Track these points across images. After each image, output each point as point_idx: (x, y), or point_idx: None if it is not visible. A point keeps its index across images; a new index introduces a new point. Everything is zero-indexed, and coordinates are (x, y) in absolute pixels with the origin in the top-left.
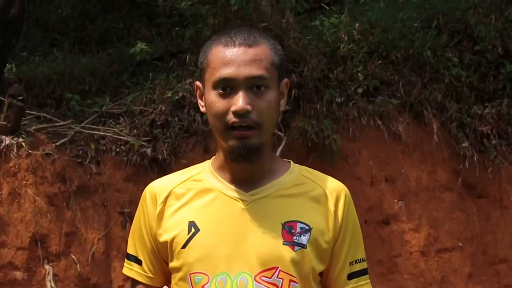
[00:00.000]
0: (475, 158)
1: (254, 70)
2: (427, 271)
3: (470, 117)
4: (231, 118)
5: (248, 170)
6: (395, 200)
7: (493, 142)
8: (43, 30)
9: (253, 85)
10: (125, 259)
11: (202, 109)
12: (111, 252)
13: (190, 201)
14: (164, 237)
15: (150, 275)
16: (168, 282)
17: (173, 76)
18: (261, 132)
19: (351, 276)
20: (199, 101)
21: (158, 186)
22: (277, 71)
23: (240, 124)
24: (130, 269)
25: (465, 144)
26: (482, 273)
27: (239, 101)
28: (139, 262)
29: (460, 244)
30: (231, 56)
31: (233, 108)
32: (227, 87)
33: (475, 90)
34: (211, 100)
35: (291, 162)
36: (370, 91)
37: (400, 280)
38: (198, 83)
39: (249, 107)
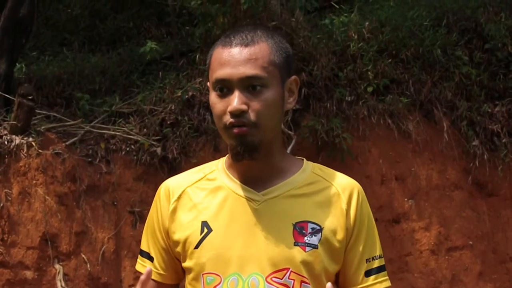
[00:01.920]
0: (485, 156)
1: (249, 70)
2: (437, 269)
3: (480, 115)
4: (228, 118)
5: (256, 168)
6: (405, 199)
7: (504, 140)
8: (53, 30)
9: (248, 85)
10: (139, 255)
11: None
12: (121, 251)
13: (203, 200)
14: (177, 236)
15: (161, 272)
16: (179, 280)
17: (183, 75)
18: (258, 130)
19: (369, 273)
20: None
21: (172, 184)
22: (278, 69)
23: (237, 124)
24: (142, 265)
25: (475, 142)
26: (492, 272)
27: (234, 101)
28: (151, 258)
29: (471, 242)
30: (226, 57)
31: (228, 109)
32: (223, 88)
33: (485, 89)
34: (212, 101)
35: (304, 160)
36: (380, 89)
37: (410, 279)
38: (209, 84)
39: (244, 107)
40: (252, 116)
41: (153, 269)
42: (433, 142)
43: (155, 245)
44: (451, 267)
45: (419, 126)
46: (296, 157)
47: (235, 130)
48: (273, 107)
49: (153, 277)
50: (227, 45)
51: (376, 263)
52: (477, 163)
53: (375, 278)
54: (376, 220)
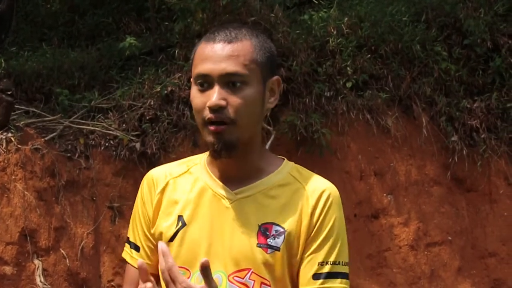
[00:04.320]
0: (464, 152)
1: (230, 66)
2: (416, 265)
3: (459, 111)
4: (207, 113)
5: (233, 166)
6: (384, 194)
7: (482, 136)
8: (32, 25)
9: (228, 81)
10: (126, 244)
11: None
12: (100, 246)
13: (182, 194)
14: (158, 227)
15: (148, 261)
16: None
17: (162, 71)
18: (235, 128)
19: (317, 277)
20: None
21: (156, 176)
22: (260, 68)
23: (215, 120)
24: (128, 254)
25: (454, 138)
26: (471, 267)
27: (213, 96)
28: (137, 248)
29: (450, 238)
30: (208, 52)
31: (207, 104)
32: (204, 82)
33: (464, 84)
34: (192, 95)
35: (285, 160)
36: (359, 85)
37: (389, 274)
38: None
39: (222, 102)
40: (230, 112)
41: (139, 258)
42: (412, 137)
43: (140, 235)
44: (430, 263)
45: (398, 121)
46: (278, 156)
47: (212, 128)
48: (252, 105)
49: (136, 265)
50: (210, 41)
51: (327, 268)
52: (456, 159)
53: (322, 283)
54: (355, 215)
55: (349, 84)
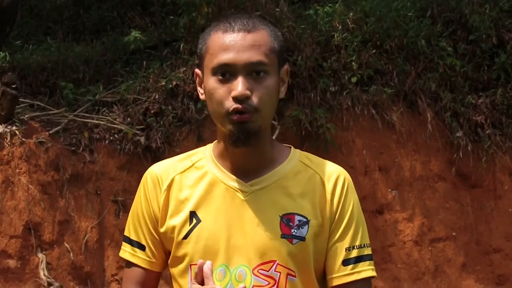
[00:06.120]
0: (469, 147)
1: (254, 56)
2: (420, 260)
3: (464, 106)
4: (231, 104)
5: (247, 157)
6: (389, 190)
7: (487, 131)
8: (37, 19)
9: (252, 71)
10: (125, 244)
11: (202, 97)
12: (105, 240)
13: (191, 190)
14: (166, 225)
15: (153, 259)
16: (164, 267)
17: (166, 65)
18: (259, 116)
19: (347, 262)
20: (199, 88)
21: (160, 172)
22: (277, 57)
23: (241, 109)
24: (132, 255)
25: (459, 133)
26: (475, 263)
27: (239, 86)
28: (142, 247)
29: (454, 233)
30: (229, 42)
31: (233, 94)
32: (226, 72)
33: (469, 80)
34: (211, 86)
35: (292, 148)
36: (364, 80)
37: (393, 270)
38: (197, 70)
39: (248, 92)
40: (255, 101)
41: (146, 258)
42: (417, 133)
43: (145, 233)
44: (434, 258)
45: (403, 117)
46: (284, 144)
47: (235, 117)
48: (273, 94)
49: (142, 264)
50: (229, 30)
51: (355, 253)
52: (460, 154)
53: (352, 268)
54: None
55: (354, 79)
